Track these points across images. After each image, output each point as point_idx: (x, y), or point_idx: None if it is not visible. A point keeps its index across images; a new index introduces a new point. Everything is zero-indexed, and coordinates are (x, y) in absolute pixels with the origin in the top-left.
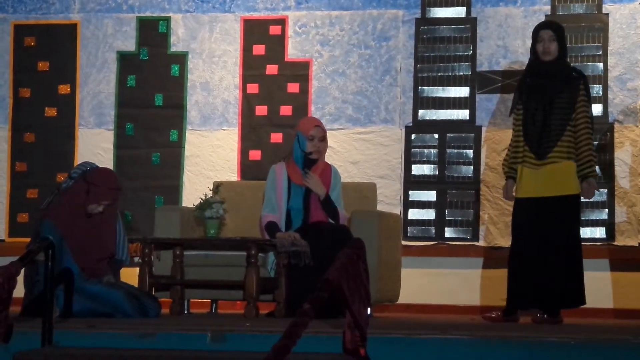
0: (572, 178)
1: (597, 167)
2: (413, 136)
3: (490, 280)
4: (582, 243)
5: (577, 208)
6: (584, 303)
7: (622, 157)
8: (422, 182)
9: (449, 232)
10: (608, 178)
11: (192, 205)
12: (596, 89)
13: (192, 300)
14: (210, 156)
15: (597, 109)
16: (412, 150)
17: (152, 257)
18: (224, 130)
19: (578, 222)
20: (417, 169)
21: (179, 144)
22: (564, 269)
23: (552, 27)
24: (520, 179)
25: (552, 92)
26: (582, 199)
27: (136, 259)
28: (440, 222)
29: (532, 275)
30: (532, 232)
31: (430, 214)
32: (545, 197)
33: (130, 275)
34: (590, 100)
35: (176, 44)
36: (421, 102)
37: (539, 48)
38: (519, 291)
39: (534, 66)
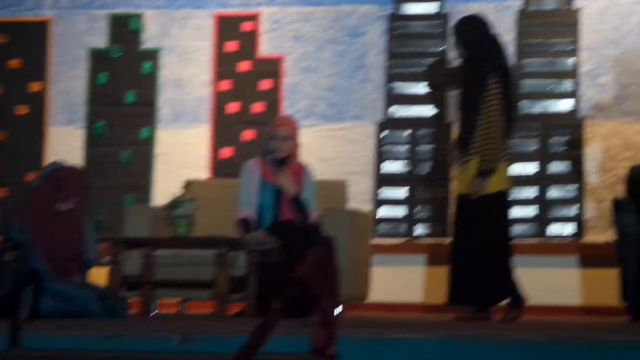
0: None
1: (490, 164)
2: (384, 133)
3: None
4: (551, 240)
5: (491, 207)
6: (485, 305)
7: (592, 152)
8: (393, 179)
9: (419, 229)
10: (578, 174)
11: (162, 204)
12: (567, 85)
13: (161, 299)
14: (182, 154)
15: (568, 105)
16: (384, 147)
17: (122, 257)
18: (195, 127)
19: (496, 221)
20: (388, 166)
21: (150, 142)
22: (475, 266)
23: (453, 27)
24: (455, 177)
25: (464, 90)
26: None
27: (105, 259)
28: (410, 219)
29: (459, 271)
30: (459, 228)
31: (400, 211)
32: (465, 195)
33: (99, 275)
34: (505, 92)
35: (148, 40)
36: (393, 98)
37: None
38: (455, 286)
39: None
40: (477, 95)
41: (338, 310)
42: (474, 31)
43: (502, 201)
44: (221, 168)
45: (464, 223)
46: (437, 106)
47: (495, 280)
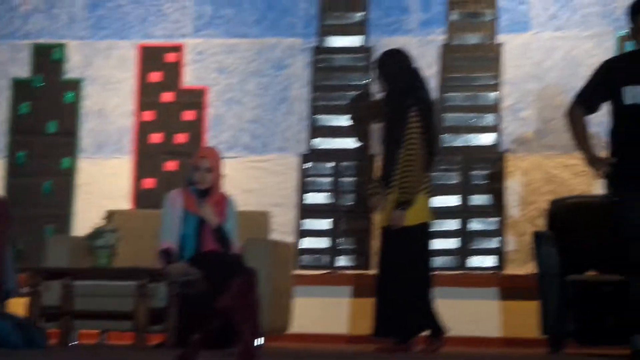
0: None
1: (408, 196)
2: (308, 165)
3: None
4: (472, 272)
5: (413, 238)
6: (406, 336)
7: (513, 186)
8: (316, 211)
9: (341, 261)
10: (499, 207)
11: (84, 234)
12: (489, 119)
13: (81, 330)
14: (104, 184)
15: (489, 139)
16: (307, 178)
17: (41, 287)
18: (117, 158)
19: (417, 253)
20: (312, 198)
21: (72, 172)
22: (387, 299)
23: (376, 61)
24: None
25: (387, 123)
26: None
27: (25, 289)
28: (333, 251)
29: (384, 302)
30: (383, 260)
31: (323, 243)
32: (387, 227)
33: (18, 305)
34: (425, 126)
35: (71, 70)
36: (317, 130)
37: None
38: (380, 318)
39: None
40: (399, 129)
41: (259, 341)
42: (397, 65)
43: (423, 233)
44: (143, 199)
45: (387, 255)
46: (360, 139)
47: (415, 312)
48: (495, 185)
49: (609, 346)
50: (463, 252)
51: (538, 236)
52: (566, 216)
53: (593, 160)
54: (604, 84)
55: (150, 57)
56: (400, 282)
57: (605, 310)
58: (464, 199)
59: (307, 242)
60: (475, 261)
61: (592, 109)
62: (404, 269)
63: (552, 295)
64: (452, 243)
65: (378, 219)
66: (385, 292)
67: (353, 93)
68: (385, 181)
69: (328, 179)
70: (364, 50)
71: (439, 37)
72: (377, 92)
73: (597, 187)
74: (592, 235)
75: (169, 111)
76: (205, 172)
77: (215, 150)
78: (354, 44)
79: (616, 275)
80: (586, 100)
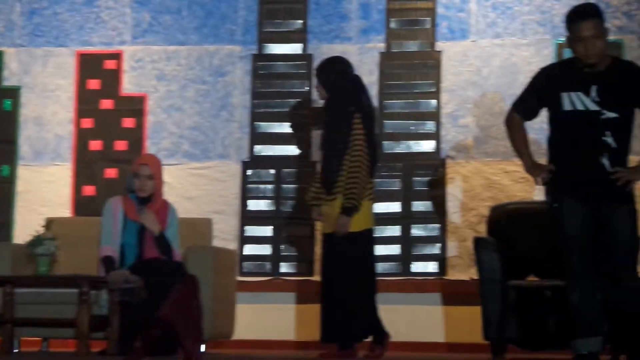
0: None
1: (355, 202)
2: (249, 171)
3: None
4: (414, 277)
5: (356, 245)
6: (350, 342)
7: (454, 192)
8: (258, 218)
9: (284, 267)
10: (440, 213)
11: (23, 242)
12: (429, 126)
13: (22, 338)
14: (43, 192)
15: (429, 146)
16: (249, 185)
17: None
18: (56, 165)
19: (361, 259)
20: (254, 204)
21: (10, 180)
22: (332, 305)
23: (316, 69)
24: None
25: (328, 130)
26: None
27: None
28: (275, 258)
29: (329, 308)
30: (326, 266)
31: (266, 250)
32: (330, 233)
33: None
34: (369, 132)
35: (8, 78)
36: (257, 137)
37: None
38: (326, 324)
39: None
40: (343, 135)
41: (201, 347)
42: (337, 72)
43: (367, 239)
44: (83, 206)
45: (331, 261)
46: (301, 145)
47: (359, 317)
48: (436, 191)
49: (551, 351)
50: (405, 258)
51: (479, 242)
52: (506, 222)
53: (532, 167)
54: (542, 90)
55: (89, 64)
56: (345, 288)
57: (547, 314)
58: (406, 205)
59: (249, 249)
60: (418, 267)
61: (531, 115)
62: (348, 274)
63: (493, 301)
64: (394, 249)
65: (321, 225)
66: (330, 298)
67: (293, 100)
68: (327, 188)
69: (270, 186)
70: (303, 57)
71: (378, 44)
72: (317, 99)
73: (537, 193)
74: (532, 240)
75: (109, 118)
76: (146, 179)
77: (156, 158)
78: (294, 51)
79: (556, 280)
80: (525, 107)
